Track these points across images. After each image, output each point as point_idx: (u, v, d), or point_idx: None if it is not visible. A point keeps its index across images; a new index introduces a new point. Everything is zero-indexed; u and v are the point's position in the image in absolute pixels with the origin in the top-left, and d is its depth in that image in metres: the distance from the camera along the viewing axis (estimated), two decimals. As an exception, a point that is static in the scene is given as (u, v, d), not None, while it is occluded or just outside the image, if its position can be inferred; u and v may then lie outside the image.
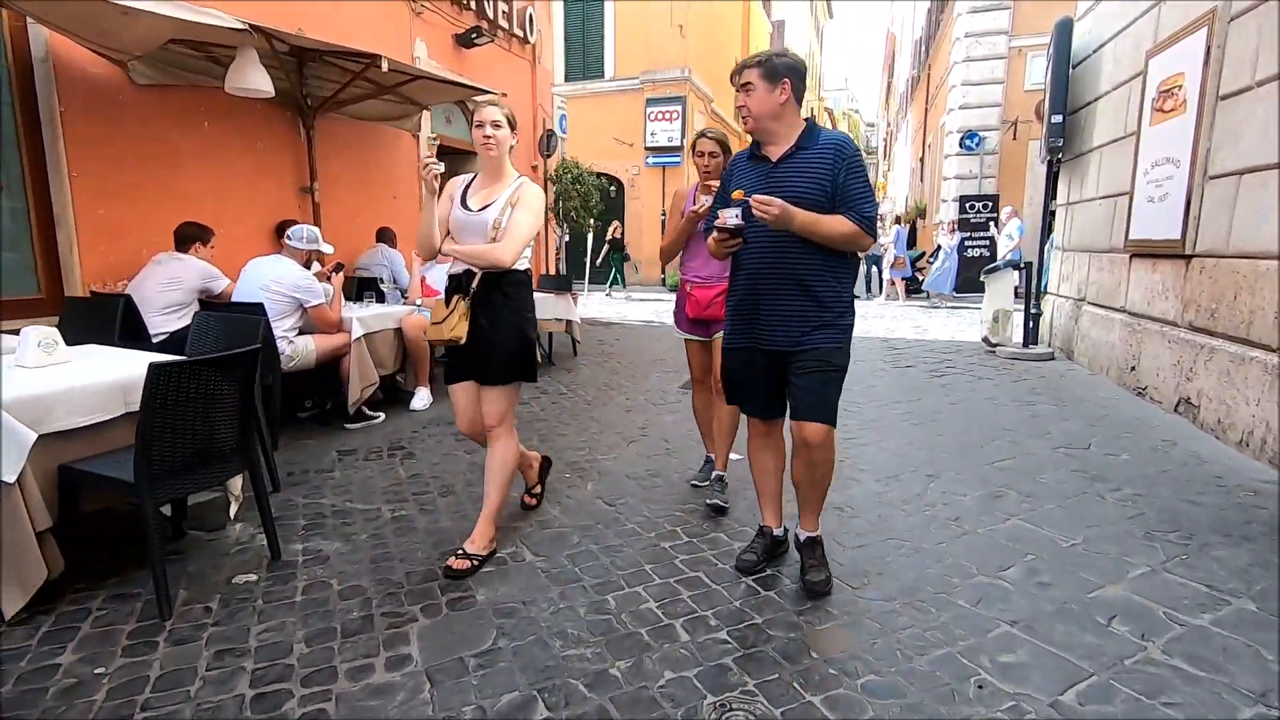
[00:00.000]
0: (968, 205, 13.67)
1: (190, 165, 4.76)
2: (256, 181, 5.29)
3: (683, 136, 16.07)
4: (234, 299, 3.94)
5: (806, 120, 2.33)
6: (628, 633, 2.12)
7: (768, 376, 2.41)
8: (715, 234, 2.25)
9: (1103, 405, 4.89)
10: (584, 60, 17.01)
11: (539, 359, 6.08)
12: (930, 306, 12.06)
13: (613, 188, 17.22)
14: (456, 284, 2.62)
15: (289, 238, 4.09)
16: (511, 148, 2.65)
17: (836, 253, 2.28)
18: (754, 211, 2.11)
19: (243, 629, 2.14)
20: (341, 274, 4.39)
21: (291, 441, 4.05)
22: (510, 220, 2.52)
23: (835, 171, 2.20)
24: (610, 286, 14.87)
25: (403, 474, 3.58)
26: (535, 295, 5.70)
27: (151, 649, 2.03)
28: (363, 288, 5.82)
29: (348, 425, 4.31)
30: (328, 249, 4.28)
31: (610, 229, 14.90)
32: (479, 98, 6.44)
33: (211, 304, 4.00)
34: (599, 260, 15.16)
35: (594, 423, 4.63)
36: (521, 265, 2.64)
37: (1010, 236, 11.60)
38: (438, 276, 5.31)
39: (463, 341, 2.51)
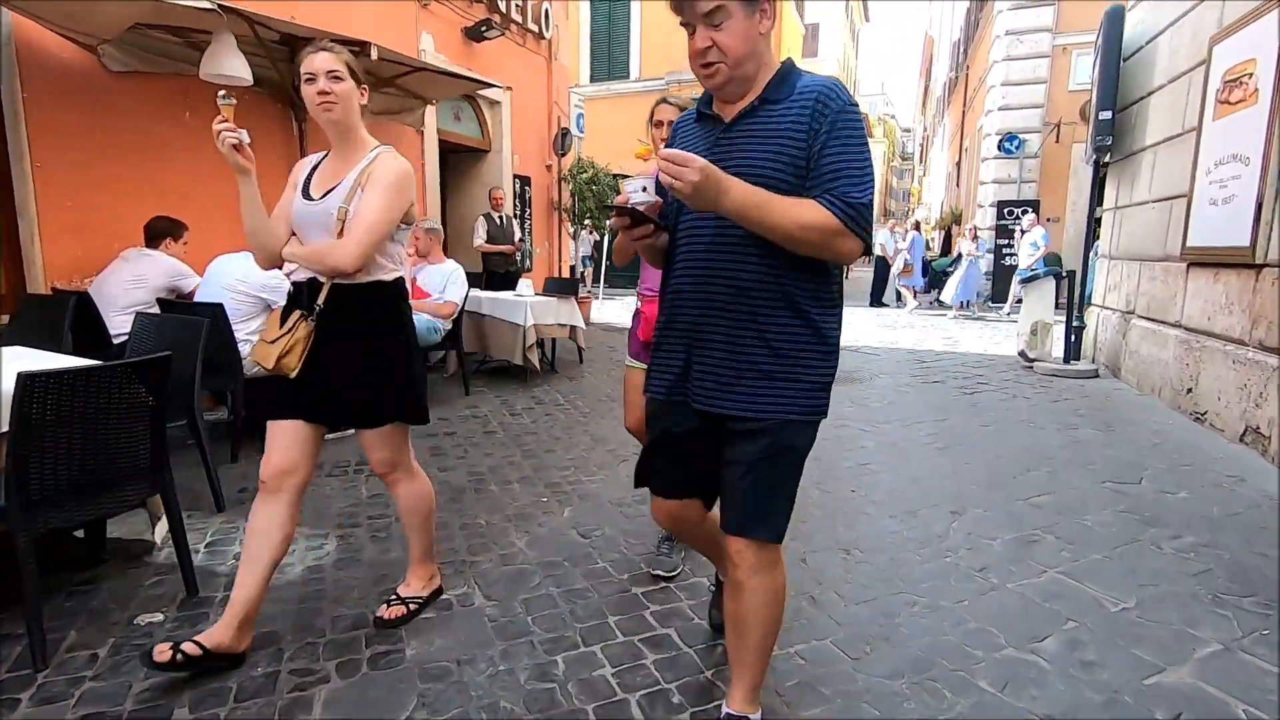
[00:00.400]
0: (1006, 211, 13.03)
1: (170, 158, 4.54)
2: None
3: (708, 138, 15.67)
4: (197, 299, 3.68)
5: (784, 61, 1.48)
6: (570, 710, 1.75)
7: (696, 447, 1.57)
8: (616, 219, 1.50)
9: (1155, 431, 4.38)
10: (609, 61, 16.74)
11: (538, 366, 5.79)
12: (967, 316, 11.46)
13: (636, 190, 16.90)
14: (296, 297, 2.03)
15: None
16: (364, 108, 2.00)
17: (812, 263, 1.41)
18: (660, 179, 1.31)
19: (123, 685, 1.82)
20: (318, 273, 4.10)
21: (258, 453, 3.76)
22: (358, 207, 1.89)
23: (812, 134, 1.35)
24: None
25: (364, 493, 3.27)
26: (536, 299, 5.37)
27: (9, 708, 1.73)
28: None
29: (326, 435, 4.01)
30: (301, 246, 3.99)
31: None
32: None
33: (175, 304, 3.74)
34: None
35: (587, 437, 4.28)
36: (388, 274, 2.02)
37: (1035, 245, 11.02)
38: (431, 277, 5.03)
39: (292, 375, 1.94)
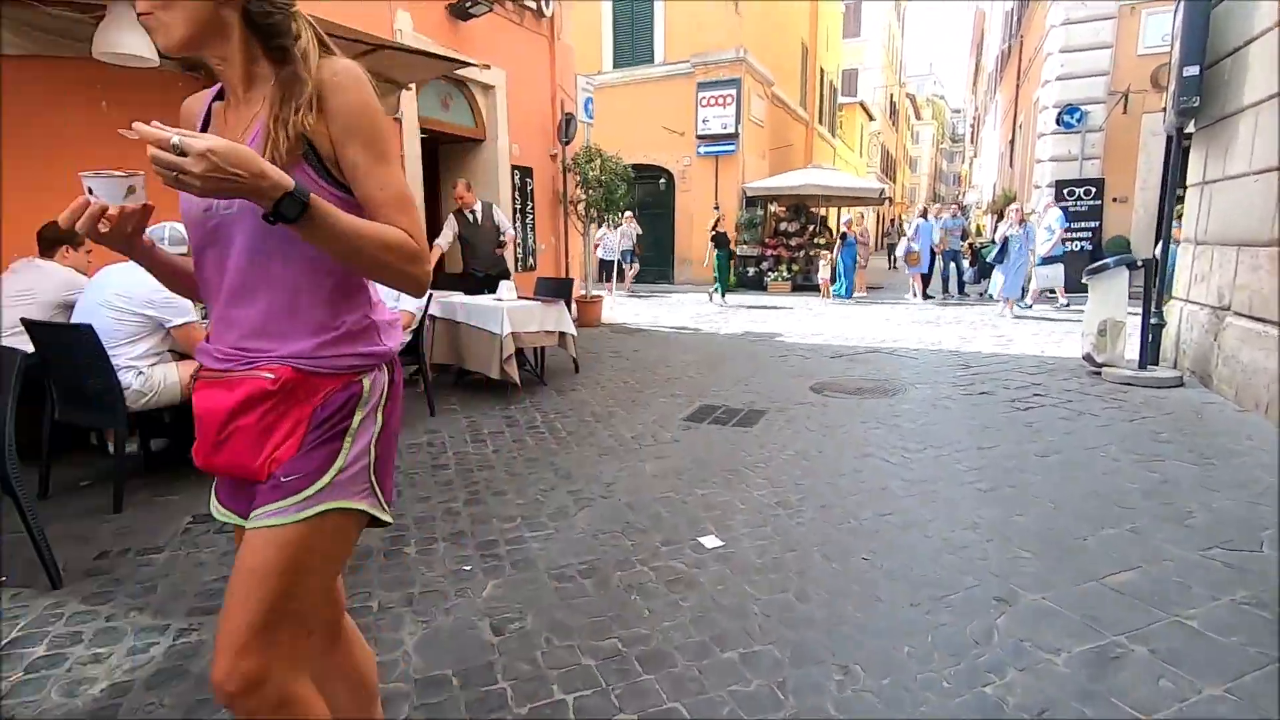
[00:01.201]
0: (1065, 191, 11.80)
1: (79, 154, 4.01)
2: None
3: (737, 123, 14.78)
4: (73, 318, 3.12)
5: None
6: None
7: None
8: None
9: (1267, 464, 3.45)
10: (633, 45, 15.96)
11: (518, 380, 5.07)
12: (1022, 313, 10.35)
13: (661, 180, 16.13)
14: None
15: (149, 236, 3.21)
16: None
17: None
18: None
19: None
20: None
21: (150, 499, 3.19)
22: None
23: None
24: (716, 292, 12.21)
25: (246, 559, 2.64)
26: (515, 304, 4.70)
27: None
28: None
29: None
30: (206, 253, 3.39)
31: (713, 220, 12.57)
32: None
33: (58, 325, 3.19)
34: (706, 262, 12.52)
35: (552, 472, 3.58)
36: None
37: (1051, 229, 9.94)
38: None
39: None
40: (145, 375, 3.07)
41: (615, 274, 13.50)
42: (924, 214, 12.94)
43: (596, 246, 13.11)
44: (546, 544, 2.76)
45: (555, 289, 6.04)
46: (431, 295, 4.57)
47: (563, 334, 5.53)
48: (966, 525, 2.83)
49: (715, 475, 3.51)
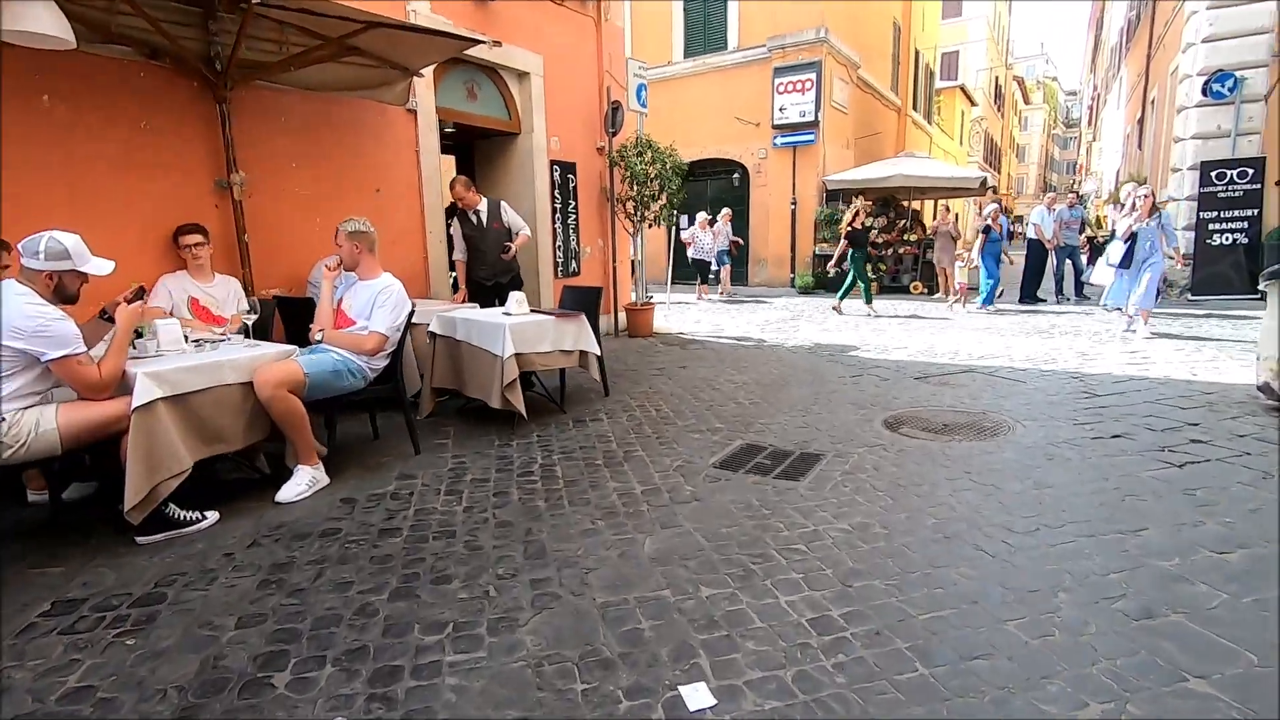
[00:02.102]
0: (1214, 174, 9.92)
1: (17, 157, 3.53)
2: (142, 174, 4.02)
3: (817, 110, 13.54)
4: (-69, 351, 2.57)
5: None
6: None
7: None
8: None
9: None
10: (704, 32, 14.99)
11: (523, 411, 4.26)
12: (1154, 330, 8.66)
13: (735, 175, 15.07)
14: None
15: (21, 251, 2.62)
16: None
17: None
18: None
19: None
20: (139, 305, 2.89)
21: (21, 571, 2.61)
22: None
23: None
24: (845, 298, 10.30)
25: (104, 675, 1.96)
26: (521, 319, 3.97)
27: None
28: (287, 314, 4.43)
29: (140, 538, 2.81)
30: (100, 267, 2.77)
31: (850, 213, 10.19)
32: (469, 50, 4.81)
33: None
34: (835, 263, 10.57)
35: (521, 549, 2.77)
36: None
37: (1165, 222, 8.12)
38: (358, 298, 3.74)
39: None
40: (10, 423, 2.48)
41: (708, 276, 12.53)
42: (995, 200, 11.46)
43: (688, 245, 12.31)
44: (465, 681, 1.94)
45: (580, 299, 5.24)
46: (413, 310, 3.85)
47: (583, 353, 4.72)
48: (1109, 695, 1.79)
49: (733, 562, 2.59)
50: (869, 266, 13.31)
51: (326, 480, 3.43)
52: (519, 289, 5.57)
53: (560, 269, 7.30)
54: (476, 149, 7.16)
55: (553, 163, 7.08)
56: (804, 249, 14.21)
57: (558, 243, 7.23)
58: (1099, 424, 4.21)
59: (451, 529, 2.97)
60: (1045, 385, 5.30)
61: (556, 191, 7.16)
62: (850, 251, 10.04)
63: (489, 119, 6.51)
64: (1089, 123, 40.71)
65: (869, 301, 10.22)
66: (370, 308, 3.63)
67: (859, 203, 10.87)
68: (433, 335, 4.60)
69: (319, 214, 4.89)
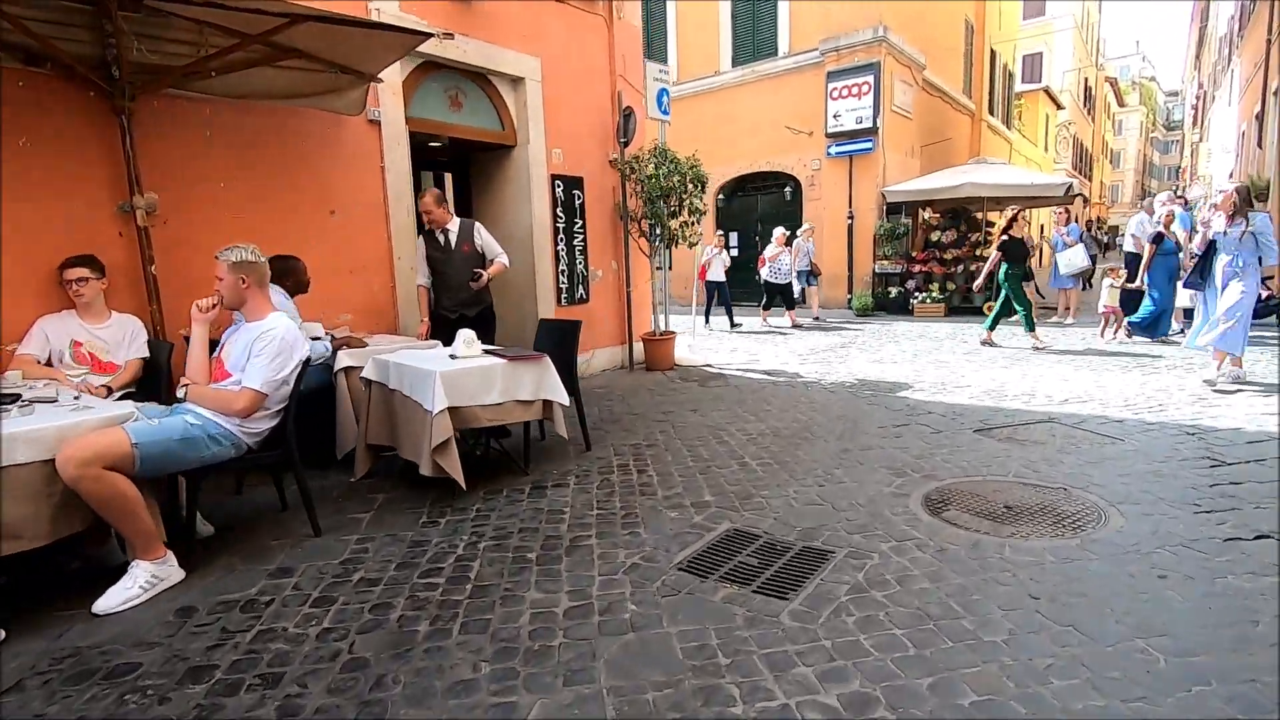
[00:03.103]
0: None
1: None
2: (22, 200, 3.46)
3: (876, 115, 12.36)
4: None
5: None
6: None
7: None
8: None
9: None
10: (753, 38, 14.09)
11: (460, 480, 3.44)
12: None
13: (787, 188, 14.02)
14: None
15: None
16: None
17: None
18: None
19: None
20: None
21: None
22: None
23: None
24: (995, 327, 8.24)
25: None
26: (462, 366, 3.13)
27: None
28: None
29: None
30: None
31: (1004, 219, 8.46)
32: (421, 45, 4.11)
33: None
34: (984, 281, 8.69)
35: (359, 712, 1.93)
36: None
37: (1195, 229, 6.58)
38: (239, 344, 3.03)
39: None
40: None
41: (791, 301, 11.05)
42: (1069, 213, 9.99)
43: (761, 264, 10.94)
44: None
45: (556, 335, 4.41)
46: (309, 359, 3.11)
47: (546, 402, 3.87)
48: None
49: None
50: (935, 286, 12.03)
51: (176, 578, 2.70)
52: (490, 325, 4.81)
53: (565, 296, 6.52)
54: (474, 164, 6.49)
55: (554, 177, 6.33)
56: (862, 267, 12.97)
57: (561, 267, 6.45)
58: (1231, 512, 3.02)
59: (282, 669, 2.16)
60: (1150, 444, 4.07)
61: (559, 209, 6.40)
62: (1004, 266, 8.00)
63: (478, 130, 5.82)
64: (1194, 123, 37.21)
65: (1030, 329, 7.88)
66: (246, 357, 2.91)
67: (1013, 210, 8.53)
68: (367, 382, 3.87)
69: (255, 240, 4.24)
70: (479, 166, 6.43)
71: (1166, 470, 3.62)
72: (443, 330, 4.54)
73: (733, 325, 11.20)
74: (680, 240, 6.89)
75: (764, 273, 10.97)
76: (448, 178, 7.08)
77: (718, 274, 11.03)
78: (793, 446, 4.35)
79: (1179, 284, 7.43)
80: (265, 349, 2.88)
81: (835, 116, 12.81)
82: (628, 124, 6.68)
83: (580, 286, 6.70)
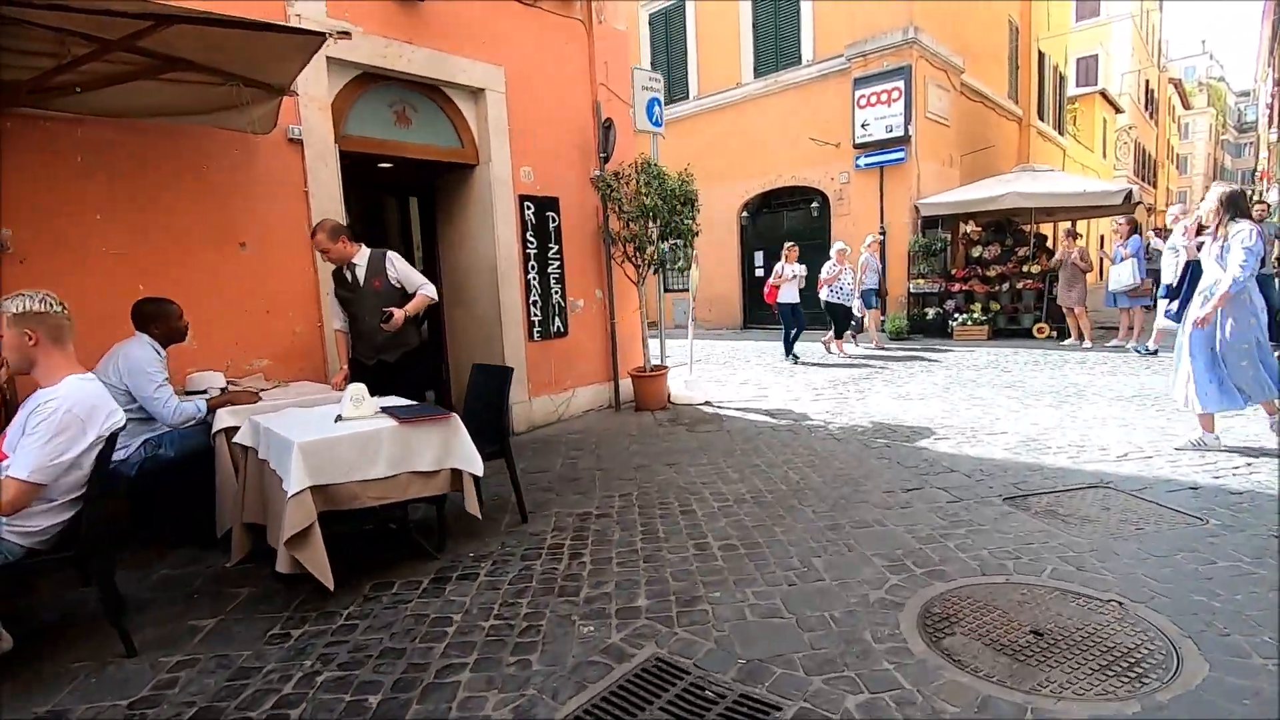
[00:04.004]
0: None
1: None
2: None
3: (907, 123, 11.42)
4: None
5: None
6: None
7: None
8: None
9: None
10: (776, 46, 13.33)
11: (326, 577, 2.70)
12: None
13: (814, 204, 13.13)
14: None
15: None
16: None
17: None
18: None
19: None
20: None
21: None
22: None
23: None
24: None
25: None
26: (332, 434, 2.44)
27: None
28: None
29: None
30: None
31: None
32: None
33: None
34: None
35: None
36: None
37: (1175, 249, 6.10)
38: (19, 418, 2.41)
39: None
40: None
41: (850, 324, 9.89)
42: (1133, 226, 8.78)
43: (821, 287, 9.49)
44: None
45: (485, 382, 3.71)
46: (102, 438, 2.46)
47: (454, 472, 3.16)
48: None
49: None
50: (977, 306, 10.95)
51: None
52: (417, 370, 4.15)
53: (537, 330, 5.83)
54: (438, 187, 5.90)
55: (523, 198, 5.68)
56: (895, 287, 11.94)
57: (533, 297, 5.78)
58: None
59: None
60: (1242, 530, 3.10)
61: (530, 234, 5.74)
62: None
63: (431, 148, 5.22)
64: (1270, 123, 34.62)
65: None
66: (20, 434, 2.29)
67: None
68: (244, 449, 3.23)
69: (142, 279, 3.71)
70: (443, 189, 5.83)
71: (1260, 572, 2.67)
72: (364, 380, 3.89)
73: (790, 354, 9.34)
74: (670, 265, 6.14)
75: (824, 295, 9.44)
76: (413, 203, 6.51)
77: (791, 295, 9.17)
78: (771, 520, 3.53)
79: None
80: (41, 426, 2.25)
81: (864, 126, 11.92)
82: (608, 137, 6.00)
83: (557, 319, 6.00)
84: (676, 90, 15.14)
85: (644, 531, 3.49)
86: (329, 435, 2.84)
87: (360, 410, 3.12)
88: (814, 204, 13.18)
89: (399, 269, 3.92)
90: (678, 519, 3.63)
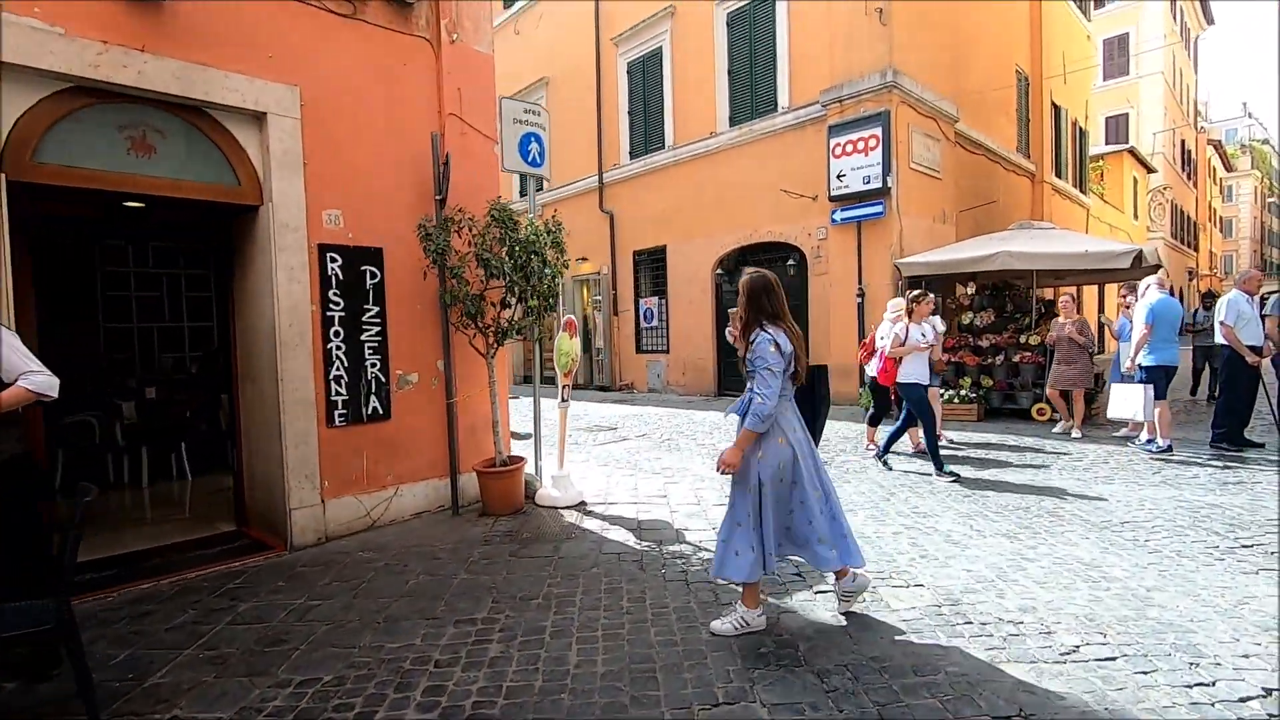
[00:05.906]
0: None
1: None
2: None
3: (886, 174, 10.18)
4: None
5: None
6: None
7: None
8: None
9: None
10: (752, 92, 12.33)
11: None
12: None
13: (790, 261, 11.87)
14: None
15: None
16: None
17: None
18: None
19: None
20: None
21: None
22: None
23: None
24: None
25: None
26: None
27: None
28: None
29: None
30: None
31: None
32: None
33: None
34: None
35: None
36: None
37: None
38: None
39: None
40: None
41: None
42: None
43: (866, 359, 7.43)
44: None
45: None
46: None
47: None
48: None
49: None
50: (967, 381, 9.43)
51: None
52: (23, 482, 2.91)
53: (341, 413, 4.59)
54: (235, 233, 4.80)
55: (326, 249, 4.54)
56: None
57: (335, 372, 4.57)
58: None
59: None
60: None
61: (334, 292, 4.57)
62: None
63: (187, 185, 4.12)
64: (1319, 184, 32.60)
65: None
66: None
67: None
68: None
69: None
70: (238, 235, 4.73)
71: None
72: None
73: (883, 458, 6.39)
74: (516, 334, 4.90)
75: (903, 374, 5.99)
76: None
77: (919, 371, 5.87)
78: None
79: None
80: None
81: (839, 176, 10.71)
82: (444, 176, 4.85)
83: (373, 398, 4.77)
84: (653, 140, 14.25)
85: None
86: None
87: None
88: (790, 261, 11.91)
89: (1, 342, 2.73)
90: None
